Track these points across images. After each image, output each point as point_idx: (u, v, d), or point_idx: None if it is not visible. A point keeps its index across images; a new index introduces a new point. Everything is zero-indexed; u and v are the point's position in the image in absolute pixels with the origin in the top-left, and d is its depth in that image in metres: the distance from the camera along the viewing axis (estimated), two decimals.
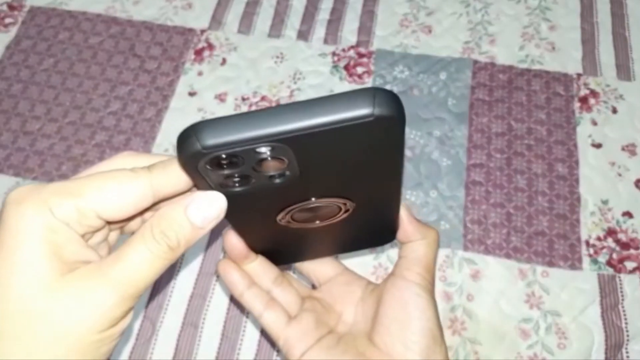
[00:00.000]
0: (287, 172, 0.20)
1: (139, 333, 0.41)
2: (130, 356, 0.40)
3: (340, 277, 0.32)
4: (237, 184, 0.20)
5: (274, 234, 0.27)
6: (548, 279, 0.42)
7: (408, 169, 0.47)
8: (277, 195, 0.22)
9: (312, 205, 0.24)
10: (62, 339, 0.19)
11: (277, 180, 0.20)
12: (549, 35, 0.54)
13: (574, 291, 0.42)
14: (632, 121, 0.49)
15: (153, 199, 0.21)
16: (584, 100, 0.50)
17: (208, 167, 0.19)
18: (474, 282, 0.42)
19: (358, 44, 0.54)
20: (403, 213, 0.29)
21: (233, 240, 0.29)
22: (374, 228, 0.29)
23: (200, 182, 0.20)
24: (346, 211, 0.25)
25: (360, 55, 0.53)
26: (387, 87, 0.51)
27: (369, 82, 0.52)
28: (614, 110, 0.50)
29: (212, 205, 0.21)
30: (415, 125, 0.49)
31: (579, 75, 0.51)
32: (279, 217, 0.24)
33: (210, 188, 0.21)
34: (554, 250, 0.43)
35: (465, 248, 0.44)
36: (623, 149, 0.48)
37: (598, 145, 0.48)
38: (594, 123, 0.49)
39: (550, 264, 0.43)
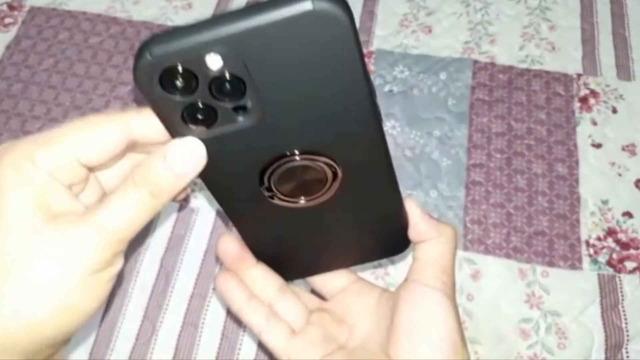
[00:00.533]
0: (249, 103, 0.20)
1: (139, 333, 0.41)
2: (130, 356, 0.40)
3: (352, 287, 0.30)
4: (202, 122, 0.20)
5: (265, 218, 0.25)
6: (548, 279, 0.42)
7: (408, 169, 0.47)
8: (250, 146, 0.22)
9: (293, 165, 0.23)
10: (48, 283, 0.19)
11: (241, 119, 0.20)
12: (549, 35, 0.54)
13: (574, 291, 0.42)
14: (632, 121, 0.49)
15: (127, 138, 0.21)
16: (584, 100, 0.50)
17: (163, 87, 0.19)
18: (474, 282, 0.42)
19: None
20: (413, 209, 0.27)
21: (226, 243, 0.28)
22: (378, 224, 0.27)
23: (165, 117, 0.20)
24: (334, 178, 0.24)
25: None
26: (387, 87, 0.51)
27: None
28: (614, 110, 0.50)
29: (189, 150, 0.21)
30: (415, 125, 0.49)
31: (579, 75, 0.51)
32: (263, 186, 0.24)
33: (179, 131, 0.21)
34: (554, 250, 0.43)
35: (465, 248, 0.44)
36: (623, 149, 0.48)
37: (598, 145, 0.48)
38: (594, 123, 0.49)
39: (550, 264, 0.43)
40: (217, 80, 0.19)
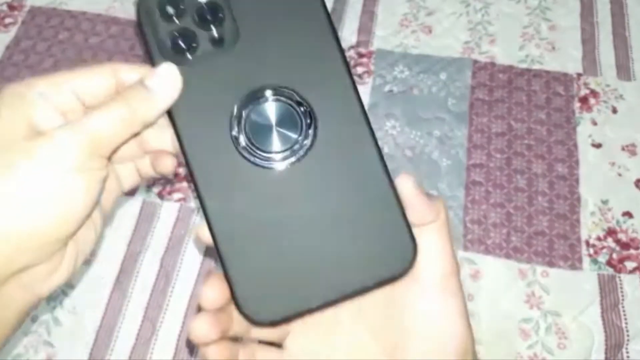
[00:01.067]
0: (225, 34, 0.23)
1: (139, 333, 0.41)
2: (130, 356, 0.40)
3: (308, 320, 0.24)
4: (184, 46, 0.23)
5: (235, 187, 0.23)
6: (548, 279, 0.42)
7: (408, 169, 0.47)
8: (222, 82, 0.23)
9: (264, 106, 0.23)
10: (34, 186, 0.21)
11: (217, 48, 0.23)
12: (549, 35, 0.54)
13: (574, 291, 0.42)
14: (632, 121, 0.49)
15: (114, 77, 0.24)
16: (584, 100, 0.50)
17: (160, 14, 0.23)
18: (474, 282, 0.42)
19: (358, 44, 0.54)
20: (406, 186, 0.23)
21: (210, 291, 0.23)
22: (368, 207, 0.23)
23: (152, 44, 0.24)
24: (308, 126, 0.22)
25: (360, 55, 0.53)
26: (387, 87, 0.51)
27: (369, 82, 0.52)
28: (614, 110, 0.50)
29: (166, 73, 0.23)
30: (415, 125, 0.49)
31: (579, 75, 0.51)
32: (233, 132, 0.23)
33: (164, 56, 0.23)
34: (554, 250, 0.43)
35: (465, 248, 0.44)
36: (623, 149, 0.48)
37: (598, 145, 0.48)
38: (594, 123, 0.49)
39: (550, 264, 0.43)
40: (200, 8, 0.23)
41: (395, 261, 0.23)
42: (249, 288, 0.23)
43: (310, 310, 0.23)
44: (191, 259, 0.44)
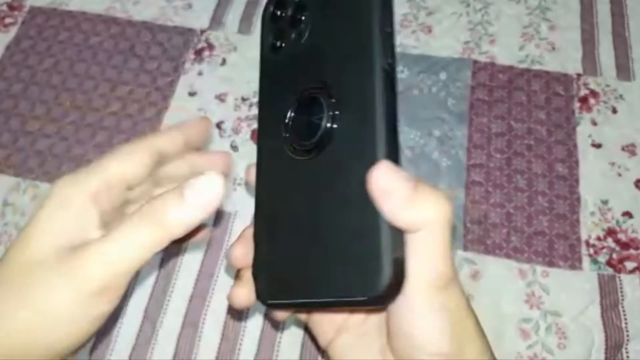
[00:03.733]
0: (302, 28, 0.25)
1: (139, 333, 0.41)
2: (130, 356, 0.40)
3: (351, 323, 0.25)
4: (278, 42, 0.26)
5: (276, 174, 0.25)
6: (548, 279, 0.42)
7: (408, 169, 0.47)
8: (291, 72, 0.25)
9: (300, 101, 0.24)
10: (50, 307, 0.21)
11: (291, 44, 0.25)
12: (549, 35, 0.54)
13: (574, 291, 0.42)
14: (632, 121, 0.49)
15: (155, 154, 0.25)
16: (584, 100, 0.50)
17: (267, 17, 0.27)
18: (474, 282, 0.42)
19: None
20: (379, 173, 0.20)
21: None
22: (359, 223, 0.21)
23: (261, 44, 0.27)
24: (328, 124, 0.23)
25: None
26: None
27: None
28: (614, 111, 0.50)
29: (209, 183, 0.21)
30: (415, 125, 0.49)
31: (579, 75, 0.51)
32: (283, 128, 0.25)
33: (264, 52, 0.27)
34: (554, 250, 0.43)
35: (465, 248, 0.44)
36: (623, 149, 0.48)
37: (598, 145, 0.48)
38: (594, 123, 0.49)
39: (550, 264, 0.43)
40: (294, 8, 0.26)
41: (365, 285, 0.20)
42: (264, 265, 0.24)
43: (299, 305, 0.24)
44: (191, 259, 0.44)
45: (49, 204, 0.23)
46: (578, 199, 0.45)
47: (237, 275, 0.26)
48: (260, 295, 0.24)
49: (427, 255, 0.20)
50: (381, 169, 0.20)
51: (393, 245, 0.20)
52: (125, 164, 0.24)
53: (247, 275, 0.25)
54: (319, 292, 0.22)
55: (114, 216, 0.25)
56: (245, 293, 0.25)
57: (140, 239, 0.21)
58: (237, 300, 0.26)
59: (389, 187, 0.20)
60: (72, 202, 0.23)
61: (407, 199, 0.20)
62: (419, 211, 0.20)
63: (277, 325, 0.41)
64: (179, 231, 0.21)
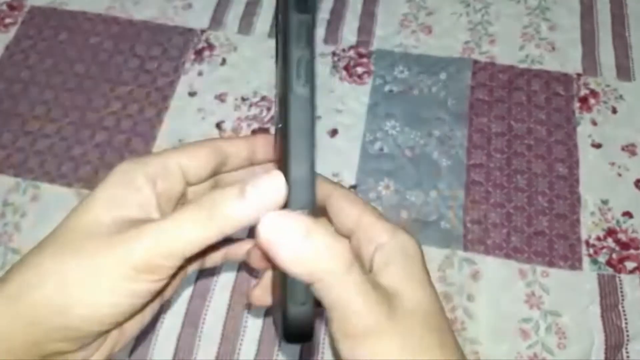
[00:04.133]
0: None
1: (139, 333, 0.41)
2: (130, 356, 0.40)
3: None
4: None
5: None
6: (548, 279, 0.42)
7: (408, 169, 0.47)
8: None
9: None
10: (96, 279, 0.21)
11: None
12: (549, 35, 0.54)
13: (574, 291, 0.42)
14: (632, 121, 0.49)
15: (218, 155, 0.26)
16: (584, 100, 0.50)
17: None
18: (474, 282, 0.42)
19: (358, 44, 0.54)
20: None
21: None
22: None
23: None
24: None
25: (361, 55, 0.53)
26: (387, 87, 0.51)
27: (369, 82, 0.52)
28: (614, 111, 0.50)
29: (272, 183, 0.20)
30: (415, 125, 0.49)
31: (579, 75, 0.51)
32: None
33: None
34: (554, 250, 0.43)
35: (465, 248, 0.44)
36: (623, 149, 0.48)
37: (598, 145, 0.48)
38: (594, 123, 0.49)
39: (550, 264, 0.43)
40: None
41: (279, 330, 0.21)
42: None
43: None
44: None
45: (111, 179, 0.23)
46: (578, 199, 0.45)
47: (257, 275, 0.27)
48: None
49: (334, 306, 0.20)
50: (266, 220, 0.19)
51: (295, 295, 0.19)
52: (187, 155, 0.25)
53: (267, 277, 0.27)
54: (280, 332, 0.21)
55: (170, 207, 0.25)
56: (264, 294, 0.27)
57: (193, 227, 0.20)
58: (256, 300, 0.27)
59: (277, 239, 0.19)
60: (133, 181, 0.23)
61: (296, 250, 0.19)
62: (312, 263, 0.19)
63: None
64: (233, 227, 0.21)
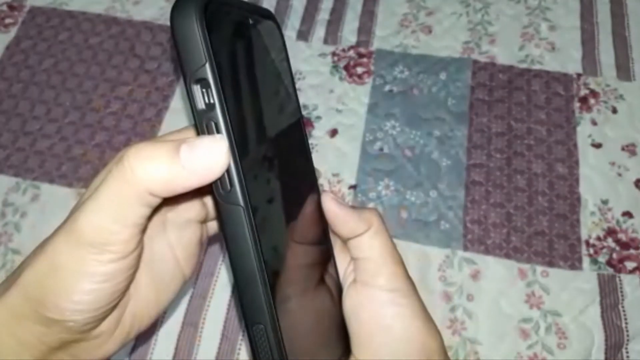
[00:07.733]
0: None
1: (139, 333, 0.41)
2: (130, 356, 0.40)
3: None
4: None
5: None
6: (548, 279, 0.42)
7: (408, 169, 0.47)
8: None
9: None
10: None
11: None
12: (549, 35, 0.54)
13: (574, 291, 0.42)
14: (632, 121, 0.49)
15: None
16: (584, 100, 0.50)
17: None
18: (474, 282, 0.42)
19: (358, 44, 0.54)
20: (330, 201, 0.24)
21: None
22: None
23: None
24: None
25: (360, 55, 0.53)
26: (387, 87, 0.51)
27: (369, 82, 0.52)
28: (614, 110, 0.50)
29: (211, 147, 0.18)
30: (415, 125, 0.49)
31: (579, 75, 0.51)
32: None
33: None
34: (554, 250, 0.43)
35: (465, 248, 0.44)
36: (623, 149, 0.48)
37: (598, 145, 0.48)
38: (594, 123, 0.49)
39: (550, 264, 0.43)
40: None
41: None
42: None
43: None
44: None
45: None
46: (578, 199, 0.45)
47: None
48: None
49: (378, 252, 0.25)
50: (327, 200, 0.25)
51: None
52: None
53: None
54: None
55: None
56: None
57: (117, 193, 0.19)
58: None
59: (337, 209, 0.25)
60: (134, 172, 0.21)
61: (352, 215, 0.25)
62: (365, 220, 0.24)
63: None
64: (161, 191, 0.19)
